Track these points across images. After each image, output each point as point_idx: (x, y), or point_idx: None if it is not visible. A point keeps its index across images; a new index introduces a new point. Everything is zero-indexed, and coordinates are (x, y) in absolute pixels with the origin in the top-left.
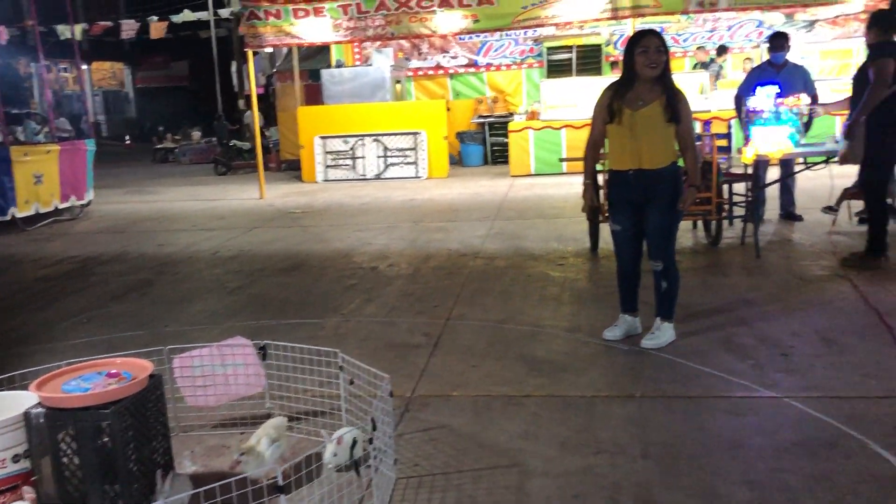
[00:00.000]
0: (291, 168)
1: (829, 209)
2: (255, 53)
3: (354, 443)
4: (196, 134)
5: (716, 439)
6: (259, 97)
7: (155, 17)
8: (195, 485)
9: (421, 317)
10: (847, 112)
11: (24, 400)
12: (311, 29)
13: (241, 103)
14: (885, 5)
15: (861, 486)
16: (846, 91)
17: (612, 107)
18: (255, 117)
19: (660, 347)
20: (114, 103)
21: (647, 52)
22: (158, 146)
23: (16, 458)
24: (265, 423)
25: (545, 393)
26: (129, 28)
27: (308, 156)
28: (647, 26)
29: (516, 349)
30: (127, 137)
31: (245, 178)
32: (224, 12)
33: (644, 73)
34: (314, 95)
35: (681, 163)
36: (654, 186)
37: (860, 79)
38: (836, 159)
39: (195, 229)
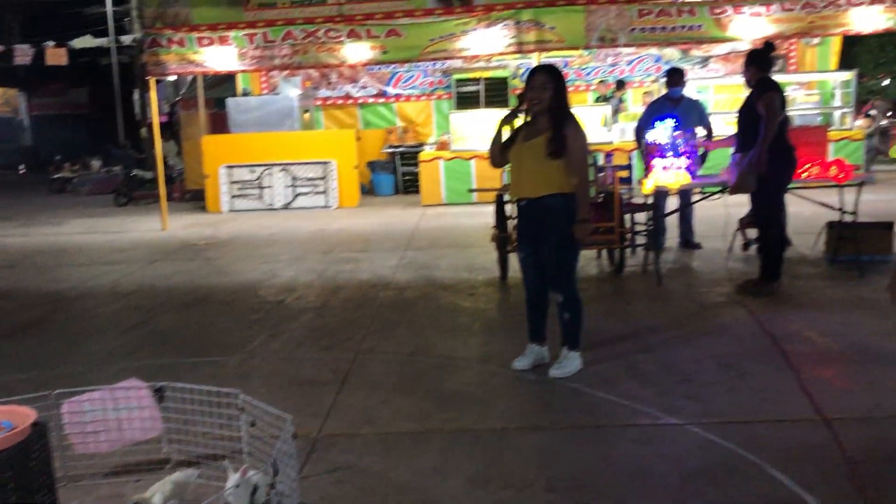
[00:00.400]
0: (196, 198)
1: (746, 246)
2: (158, 81)
3: (256, 489)
4: (95, 163)
5: (622, 469)
6: (163, 126)
7: (52, 43)
8: None
9: (329, 352)
10: (732, 146)
11: None
12: (216, 57)
13: (143, 132)
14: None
15: None
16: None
17: (514, 133)
18: (158, 146)
19: (567, 376)
20: (7, 131)
21: (532, 89)
22: (55, 176)
23: None
24: (167, 478)
25: (455, 427)
26: (22, 54)
27: (213, 185)
28: (551, 60)
29: (426, 382)
30: (21, 167)
31: (147, 208)
32: (126, 39)
33: (530, 108)
34: (220, 124)
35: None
36: (543, 218)
37: (746, 114)
38: (728, 189)
39: (93, 263)
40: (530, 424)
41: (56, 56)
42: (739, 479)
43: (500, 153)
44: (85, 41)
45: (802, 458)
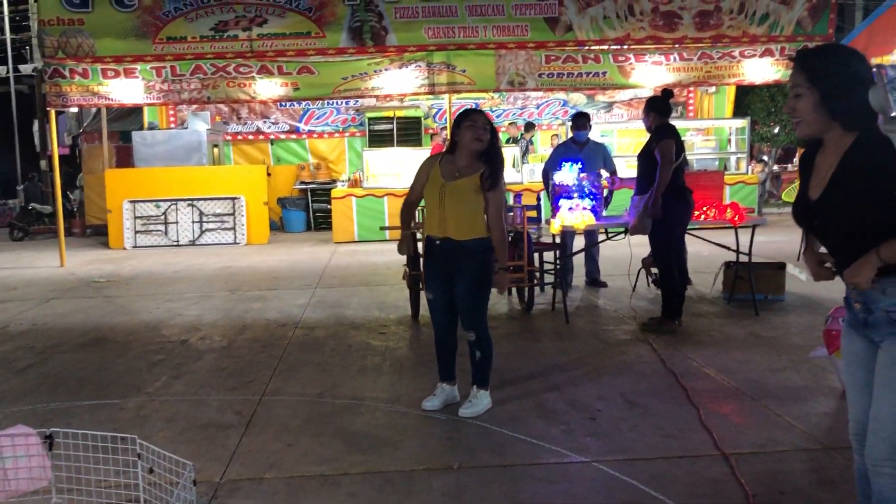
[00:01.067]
0: (98, 233)
1: (655, 282)
2: (59, 112)
3: None
4: None
5: None
6: (65, 158)
7: None
8: None
9: (233, 393)
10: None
11: None
12: (121, 90)
13: (42, 164)
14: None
15: None
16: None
17: (430, 174)
18: (57, 179)
19: (477, 415)
20: None
21: (474, 127)
22: None
23: None
24: None
25: (363, 469)
26: None
27: (116, 220)
28: (462, 102)
29: (334, 424)
30: None
31: (45, 243)
32: (26, 68)
33: (472, 146)
34: (125, 157)
35: None
36: (460, 259)
37: (645, 157)
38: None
39: None
40: (439, 465)
41: None
42: None
43: (416, 197)
44: None
45: (704, 494)
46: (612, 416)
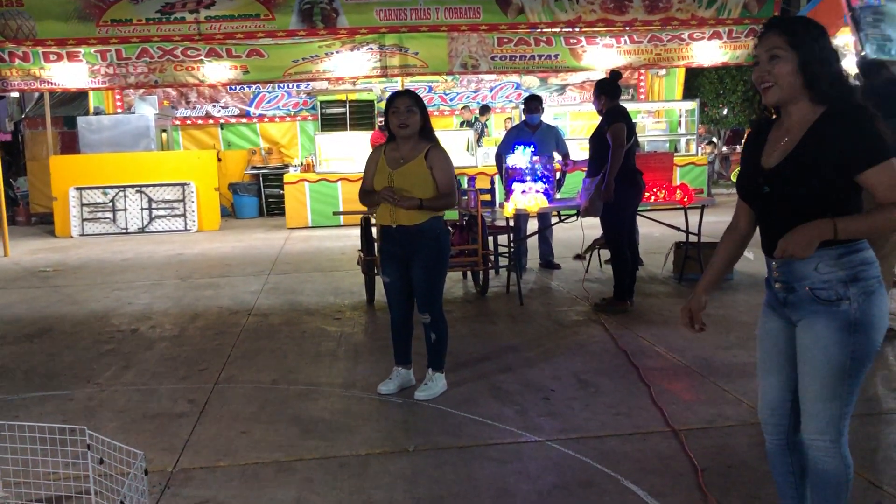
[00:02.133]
0: (43, 222)
1: (579, 257)
2: None
3: None
4: None
5: (484, 488)
6: (6, 144)
7: None
8: None
9: (186, 382)
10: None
11: None
12: (64, 74)
13: None
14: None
15: None
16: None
17: (378, 162)
18: None
19: (432, 398)
20: None
21: (397, 113)
22: None
23: None
24: None
25: (318, 455)
26: None
27: (62, 208)
28: (415, 85)
29: (289, 411)
30: None
31: None
32: None
33: (397, 132)
34: (70, 144)
35: (452, 215)
36: (416, 241)
37: (596, 140)
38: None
39: None
40: (395, 448)
41: None
42: (595, 493)
43: (369, 185)
44: None
45: (654, 469)
46: (566, 396)
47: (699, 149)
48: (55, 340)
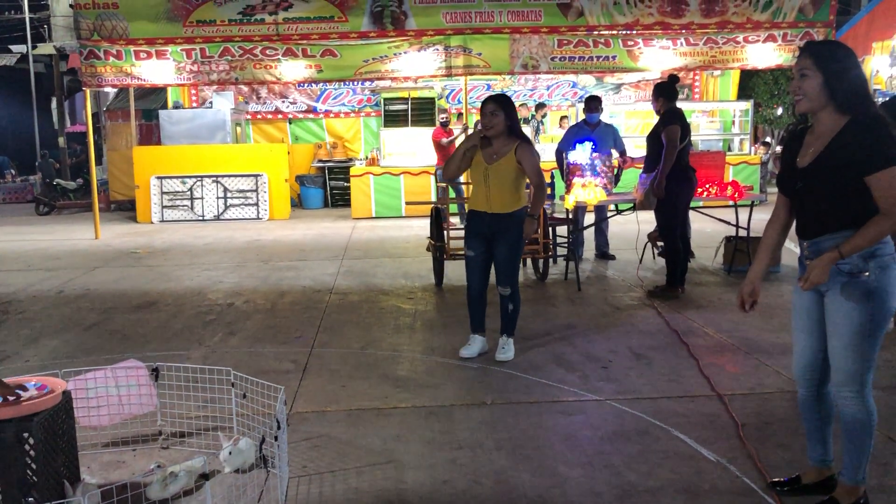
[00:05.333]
0: (122, 209)
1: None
2: (77, 91)
3: (251, 448)
4: (10, 172)
5: (554, 433)
6: (84, 135)
7: None
8: (104, 493)
9: (285, 346)
10: (643, 166)
11: None
12: (152, 70)
13: (61, 141)
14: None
15: (667, 460)
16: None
17: (473, 160)
18: (91, 155)
19: (509, 360)
20: None
21: (484, 116)
22: None
23: None
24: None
25: (410, 405)
26: None
27: (144, 196)
28: (475, 83)
29: (379, 371)
30: None
31: (72, 218)
32: (44, 48)
33: (485, 132)
34: (147, 135)
35: None
36: (504, 225)
37: (653, 139)
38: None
39: (31, 269)
40: (475, 401)
41: None
42: (649, 439)
43: (458, 166)
44: None
45: (700, 423)
46: (622, 366)
47: (752, 148)
48: (161, 311)
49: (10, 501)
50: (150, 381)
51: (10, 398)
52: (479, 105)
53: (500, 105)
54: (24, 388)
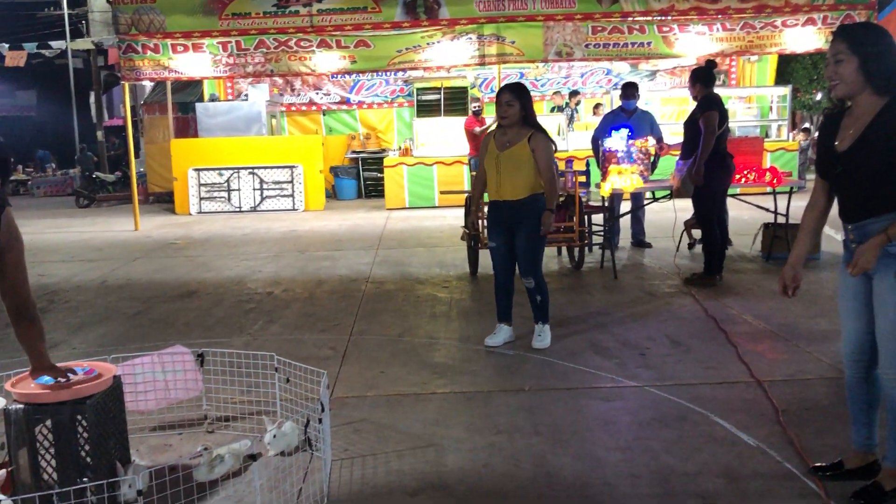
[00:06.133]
0: (160, 201)
1: (692, 244)
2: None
3: (294, 431)
4: (50, 166)
5: (592, 419)
6: (121, 128)
7: (6, 45)
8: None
9: (324, 334)
10: (679, 152)
11: None
12: (189, 63)
13: (99, 135)
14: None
15: (706, 445)
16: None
17: (488, 146)
18: (130, 147)
19: (545, 347)
20: None
21: (500, 106)
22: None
23: None
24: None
25: (448, 390)
26: None
27: (182, 188)
28: (507, 71)
29: (417, 357)
30: None
31: (111, 210)
32: (83, 43)
33: (500, 122)
34: (184, 128)
35: None
36: (518, 213)
37: (690, 125)
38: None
39: (73, 260)
40: (512, 387)
41: (15, 58)
42: (688, 424)
43: (482, 172)
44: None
45: (739, 409)
46: (660, 353)
47: (790, 135)
48: (202, 300)
49: (67, 482)
50: (195, 366)
51: (62, 380)
52: None
53: (515, 95)
54: (74, 373)
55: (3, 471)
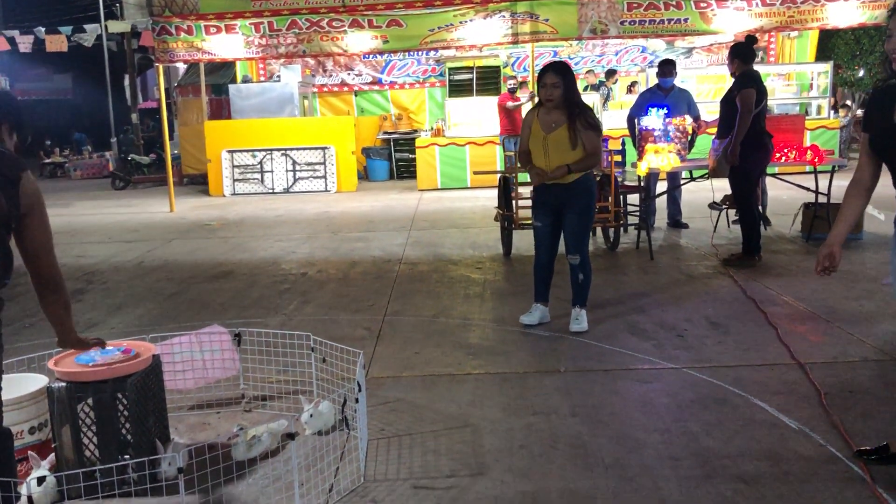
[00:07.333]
0: (194, 182)
1: (715, 205)
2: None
3: (331, 411)
4: (87, 149)
5: (629, 400)
6: (154, 111)
7: (42, 29)
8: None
9: (359, 314)
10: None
11: (31, 381)
12: (222, 45)
13: (133, 117)
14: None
15: (745, 427)
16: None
17: (532, 126)
18: (165, 131)
19: (584, 330)
20: None
21: (545, 87)
22: (46, 161)
23: (32, 431)
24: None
25: (483, 371)
26: (24, 42)
27: (216, 170)
28: (540, 50)
29: (452, 338)
30: None
31: (147, 192)
32: (116, 26)
33: (546, 103)
34: (217, 110)
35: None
36: (569, 195)
37: (727, 103)
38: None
39: (111, 241)
40: (548, 369)
41: (56, 43)
42: (728, 407)
43: (525, 145)
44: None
45: (781, 391)
46: (698, 335)
47: (831, 112)
48: (238, 280)
49: (108, 458)
50: (232, 346)
51: (95, 350)
52: None
53: (560, 75)
54: (102, 343)
55: (52, 454)
